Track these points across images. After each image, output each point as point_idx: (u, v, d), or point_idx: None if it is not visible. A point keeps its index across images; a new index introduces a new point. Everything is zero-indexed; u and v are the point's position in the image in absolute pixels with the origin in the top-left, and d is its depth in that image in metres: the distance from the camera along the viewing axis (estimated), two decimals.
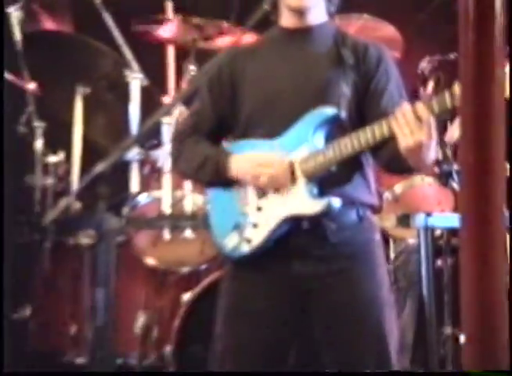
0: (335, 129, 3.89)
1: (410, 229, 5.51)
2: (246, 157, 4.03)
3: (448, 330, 5.24)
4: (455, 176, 5.52)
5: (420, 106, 3.55)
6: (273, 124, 3.99)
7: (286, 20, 3.99)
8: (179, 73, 6.02)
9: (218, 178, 4.05)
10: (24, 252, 5.98)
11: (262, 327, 4.07)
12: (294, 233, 3.94)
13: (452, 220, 5.27)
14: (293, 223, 3.96)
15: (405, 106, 3.62)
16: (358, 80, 4.03)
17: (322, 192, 3.89)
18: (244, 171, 4.02)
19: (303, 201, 4.00)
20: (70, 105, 5.87)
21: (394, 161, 3.91)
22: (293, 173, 3.96)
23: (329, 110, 3.98)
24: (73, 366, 5.81)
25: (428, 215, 5.30)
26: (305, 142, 4.02)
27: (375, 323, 3.99)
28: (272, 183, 3.94)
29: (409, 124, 3.65)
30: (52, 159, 5.85)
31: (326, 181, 3.92)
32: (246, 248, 4.01)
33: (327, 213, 3.89)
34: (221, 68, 4.09)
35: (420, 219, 5.32)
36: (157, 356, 5.59)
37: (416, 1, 5.98)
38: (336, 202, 3.82)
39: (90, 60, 6.13)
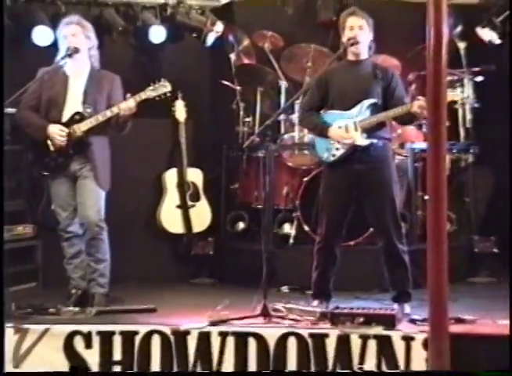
0: (375, 109, 6.62)
1: (404, 149, 8.32)
2: (333, 130, 6.59)
3: (421, 194, 8.08)
4: (424, 126, 8.05)
5: (423, 98, 6.11)
6: (344, 105, 6.65)
7: (350, 57, 6.69)
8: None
9: (320, 135, 6.73)
10: (234, 163, 8.85)
11: (338, 194, 6.68)
12: (356, 152, 6.61)
13: (422, 145, 8.13)
14: (355, 148, 6.62)
15: (421, 98, 6.22)
16: (384, 85, 6.65)
17: (368, 135, 6.59)
18: (334, 136, 6.61)
19: (360, 139, 6.60)
20: (254, 96, 8.89)
21: (406, 121, 6.82)
22: (356, 128, 6.59)
23: (372, 100, 6.62)
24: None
25: (412, 143, 8.30)
26: (362, 114, 6.61)
27: (390, 193, 6.62)
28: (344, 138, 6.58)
29: (422, 104, 6.11)
30: (247, 119, 8.91)
31: (370, 130, 6.59)
32: (332, 158, 6.69)
33: (370, 144, 6.58)
34: (321, 77, 6.81)
35: (409, 145, 8.28)
36: (293, 205, 8.32)
37: (406, 49, 7.96)
38: (374, 140, 6.59)
39: (263, 75, 8.88)
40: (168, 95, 7.07)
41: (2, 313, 4.13)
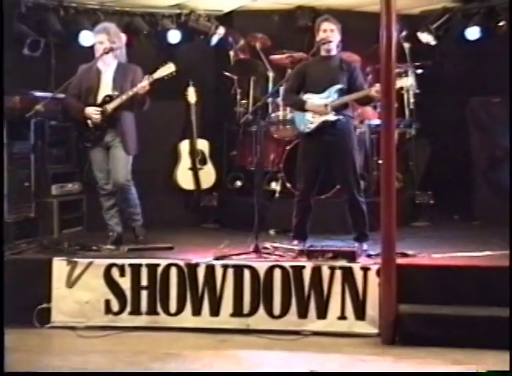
0: (341, 93, 6.57)
1: (363, 125, 8.26)
2: (310, 103, 6.56)
3: (376, 159, 8.06)
4: (378, 107, 7.87)
5: (378, 85, 6.10)
6: (317, 89, 6.58)
7: (322, 53, 6.63)
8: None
9: (300, 109, 6.65)
10: (233, 135, 8.78)
11: (312, 159, 6.63)
12: (326, 126, 6.57)
13: (377, 122, 7.98)
14: (326, 123, 6.58)
15: (377, 85, 6.20)
16: (348, 75, 6.61)
17: (336, 113, 6.56)
18: (309, 108, 6.55)
19: (330, 116, 6.57)
20: (248, 84, 8.85)
21: (365, 102, 6.90)
22: (326, 107, 6.55)
23: (339, 86, 6.59)
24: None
25: (369, 120, 8.28)
26: (331, 96, 6.57)
27: (352, 158, 6.62)
28: (319, 112, 6.52)
29: (377, 89, 6.12)
30: (243, 102, 8.81)
31: (337, 109, 6.56)
32: (307, 130, 6.65)
33: (338, 119, 6.56)
34: (299, 68, 6.79)
35: (367, 122, 8.25)
36: (278, 168, 8.24)
37: (365, 48, 7.74)
38: (340, 116, 6.57)
39: (255, 67, 8.85)
40: (174, 74, 6.97)
41: (2, 314, 3.61)
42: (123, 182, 7.05)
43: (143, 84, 6.84)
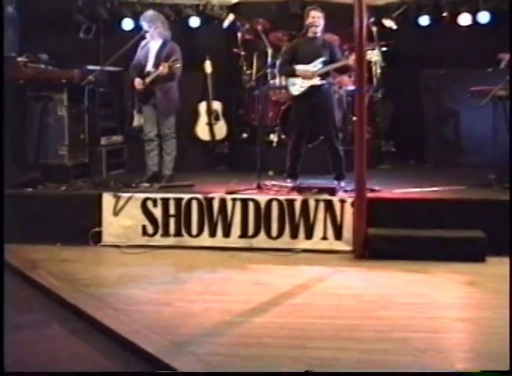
0: (325, 64, 6.46)
1: (341, 90, 8.02)
2: (300, 69, 6.45)
3: (351, 116, 7.82)
4: (352, 76, 7.43)
5: (353, 57, 6.06)
6: (306, 62, 6.46)
7: (310, 34, 6.49)
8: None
9: (292, 76, 6.51)
10: (240, 98, 8.71)
11: (302, 116, 6.55)
12: (313, 90, 6.45)
13: (352, 88, 7.72)
14: (312, 87, 6.46)
15: (351, 58, 6.25)
16: (329, 51, 6.52)
17: (321, 79, 6.45)
18: (299, 74, 6.43)
19: (316, 81, 6.46)
20: (252, 58, 8.62)
21: (343, 71, 6.88)
22: (313, 74, 6.45)
23: (323, 58, 6.49)
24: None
25: (346, 86, 8.09)
26: (317, 66, 6.48)
27: (332, 115, 6.54)
28: (307, 76, 6.43)
29: (352, 59, 6.17)
30: (248, 72, 8.62)
31: (322, 76, 6.45)
32: (298, 93, 6.54)
33: (321, 84, 6.47)
34: (292, 46, 6.71)
35: (344, 87, 8.05)
36: (275, 123, 8.09)
37: (342, 30, 7.34)
38: (323, 82, 6.47)
39: (257, 45, 8.65)
40: (179, 65, 6.96)
41: (2, 311, 3.48)
42: (165, 132, 7.08)
43: (161, 70, 6.81)
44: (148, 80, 6.88)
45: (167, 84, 6.99)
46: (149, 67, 6.94)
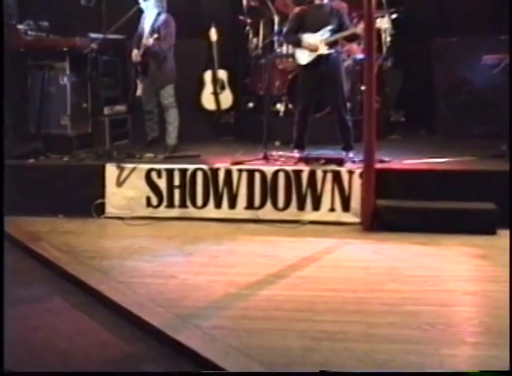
0: (332, 32, 6.35)
1: (350, 58, 7.89)
2: (305, 41, 6.36)
3: (359, 86, 7.74)
4: (361, 44, 7.31)
5: (362, 25, 6.02)
6: (313, 30, 6.35)
7: (316, 1, 6.38)
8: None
9: (297, 45, 6.45)
10: (246, 66, 8.57)
11: (309, 85, 6.47)
12: (320, 59, 6.37)
13: (361, 56, 7.50)
14: (320, 56, 6.38)
15: (360, 25, 6.17)
16: (337, 19, 6.41)
17: (328, 48, 6.34)
18: (304, 46, 6.36)
19: (324, 50, 6.35)
20: (258, 25, 8.42)
21: (351, 39, 6.76)
22: (320, 43, 6.34)
23: (331, 26, 6.38)
24: None
25: (355, 54, 7.94)
26: (325, 35, 6.35)
27: (340, 84, 6.44)
28: (312, 47, 6.34)
29: (362, 27, 6.01)
30: (253, 40, 8.43)
31: (329, 45, 6.34)
32: (305, 62, 6.43)
33: (329, 53, 6.38)
34: (298, 13, 6.52)
35: (353, 56, 7.91)
36: (282, 92, 7.92)
37: None
38: (331, 51, 6.37)
39: (264, 12, 8.47)
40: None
41: (2, 311, 3.33)
42: (164, 101, 7.13)
43: (144, 42, 6.90)
44: (139, 52, 6.96)
45: (160, 55, 7.00)
46: (144, 39, 6.98)
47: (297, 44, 6.52)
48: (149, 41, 6.86)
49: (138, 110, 7.59)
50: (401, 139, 8.23)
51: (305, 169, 6.10)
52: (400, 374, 3.17)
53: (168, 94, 7.09)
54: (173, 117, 7.15)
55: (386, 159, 6.34)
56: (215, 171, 6.20)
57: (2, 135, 4.86)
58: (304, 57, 6.51)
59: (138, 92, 7.33)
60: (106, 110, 7.73)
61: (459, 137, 7.66)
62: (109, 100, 7.86)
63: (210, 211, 6.18)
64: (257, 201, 6.12)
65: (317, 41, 6.42)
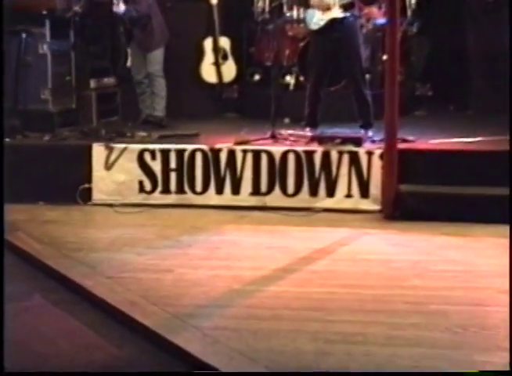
0: None
1: (370, 23, 7.89)
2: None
3: (380, 55, 7.82)
4: (383, 6, 7.33)
5: None
6: None
7: None
8: None
9: (306, 5, 6.69)
10: (252, 33, 8.59)
11: (322, 54, 6.52)
12: (334, 24, 6.37)
13: (382, 21, 7.37)
14: (334, 21, 6.38)
15: None
16: None
17: (343, 11, 6.33)
18: (313, 3, 6.43)
19: (338, 13, 6.38)
20: None
21: (370, 1, 6.87)
22: (334, 4, 6.35)
23: None
24: None
25: (375, 19, 7.90)
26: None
27: (358, 53, 6.46)
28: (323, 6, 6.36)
29: None
30: (259, 2, 8.45)
31: (345, 8, 6.35)
32: (317, 27, 6.45)
33: (345, 17, 6.39)
34: None
35: (373, 21, 7.89)
36: (292, 63, 8.06)
37: None
38: (347, 14, 6.35)
39: None
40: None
41: (2, 311, 3.39)
42: (153, 72, 7.21)
43: (116, 9, 7.02)
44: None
45: (141, 20, 7.09)
46: (114, 6, 7.13)
47: (305, 2, 6.60)
48: (120, 7, 6.87)
49: (129, 82, 7.68)
50: (427, 116, 8.32)
51: (318, 150, 6.11)
52: (400, 374, 3.20)
53: (156, 60, 7.14)
54: (159, 87, 7.26)
55: (410, 138, 6.34)
56: (217, 152, 6.21)
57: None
58: (315, 22, 6.50)
59: (129, 62, 7.39)
60: (93, 83, 7.79)
61: (495, 113, 7.62)
62: (96, 71, 7.89)
63: (211, 197, 6.20)
64: (263, 186, 6.15)
65: (330, 1, 6.41)
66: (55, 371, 3.31)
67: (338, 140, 6.29)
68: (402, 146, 5.94)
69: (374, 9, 7.87)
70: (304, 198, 6.06)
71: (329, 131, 6.68)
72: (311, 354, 3.41)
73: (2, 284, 3.58)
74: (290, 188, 6.10)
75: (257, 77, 8.65)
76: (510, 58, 6.20)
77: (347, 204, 6.02)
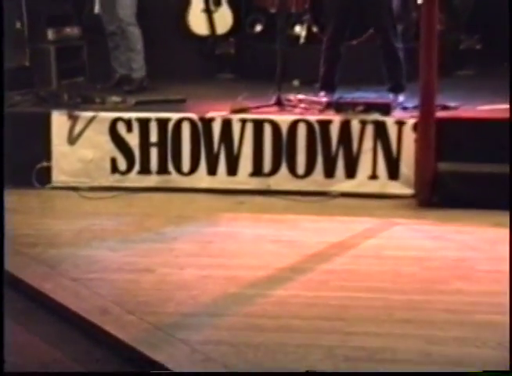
0: None
1: None
2: None
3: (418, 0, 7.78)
4: None
5: None
6: None
7: None
8: None
9: None
10: None
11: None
12: None
13: None
14: None
15: None
16: None
17: None
18: None
19: None
20: None
21: None
22: None
23: None
24: None
25: None
26: None
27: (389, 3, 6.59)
28: None
29: None
30: None
31: None
32: None
33: None
34: None
35: None
36: (303, 9, 8.08)
37: None
38: None
39: None
40: None
41: (2, 312, 3.50)
42: (127, 20, 7.23)
43: None
44: None
45: None
46: None
47: None
48: None
49: (98, 33, 7.64)
50: (474, 76, 8.33)
51: (336, 119, 6.11)
52: (400, 374, 3.30)
53: (126, 4, 7.15)
54: (133, 39, 7.28)
55: (452, 104, 6.35)
56: (208, 123, 6.21)
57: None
58: None
59: (97, 8, 7.38)
60: (51, 34, 7.81)
61: None
62: (56, 19, 7.86)
63: (202, 178, 6.24)
64: (267, 165, 6.18)
65: None
66: (55, 371, 3.41)
67: (361, 107, 6.25)
68: (441, 114, 5.94)
69: None
70: (317, 180, 6.09)
71: (350, 95, 6.69)
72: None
73: (2, 284, 3.69)
74: (301, 167, 6.13)
75: (258, 27, 8.68)
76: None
77: (372, 187, 6.05)
